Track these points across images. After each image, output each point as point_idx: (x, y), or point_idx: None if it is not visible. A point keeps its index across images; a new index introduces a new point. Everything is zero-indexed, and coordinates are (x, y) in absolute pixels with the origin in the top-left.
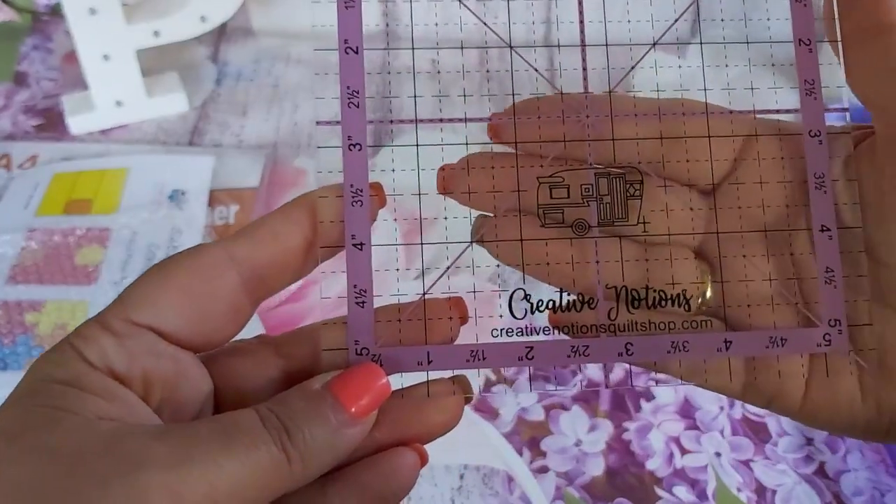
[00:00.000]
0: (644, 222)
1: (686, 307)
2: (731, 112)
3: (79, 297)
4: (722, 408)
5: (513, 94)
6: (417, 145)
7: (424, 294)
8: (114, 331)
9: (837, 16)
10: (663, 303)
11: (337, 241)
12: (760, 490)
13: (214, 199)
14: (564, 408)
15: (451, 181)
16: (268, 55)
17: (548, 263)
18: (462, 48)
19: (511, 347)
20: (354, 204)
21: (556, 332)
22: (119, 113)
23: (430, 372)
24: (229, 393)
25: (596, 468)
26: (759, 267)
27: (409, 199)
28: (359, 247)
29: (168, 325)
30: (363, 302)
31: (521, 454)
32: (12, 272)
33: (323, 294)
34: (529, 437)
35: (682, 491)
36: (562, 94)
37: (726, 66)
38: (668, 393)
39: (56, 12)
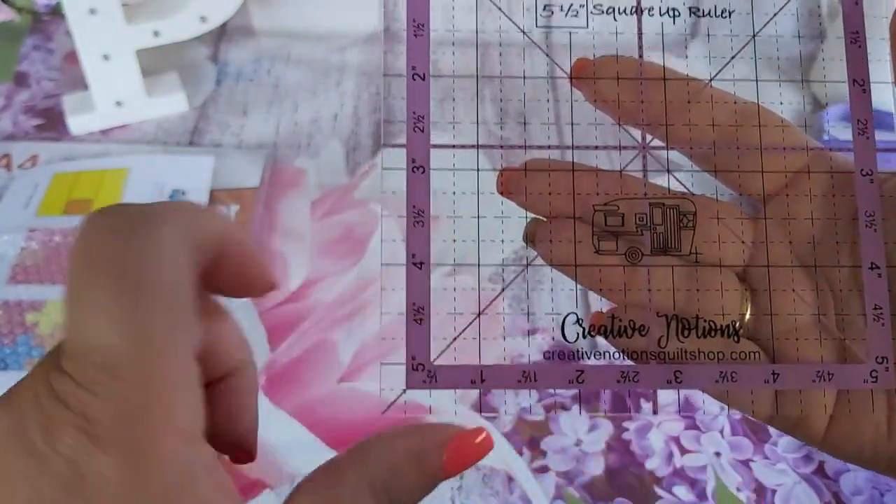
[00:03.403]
0: (696, 252)
1: (735, 338)
2: (786, 126)
3: None
4: (722, 408)
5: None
6: (478, 169)
7: (480, 313)
8: (203, 312)
9: None
10: (713, 333)
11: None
12: (760, 490)
13: (215, 198)
14: (564, 408)
15: (509, 183)
16: (268, 55)
17: (600, 279)
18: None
19: (562, 369)
20: (416, 224)
21: (606, 356)
22: (119, 113)
23: (482, 390)
24: None
25: (596, 468)
26: (805, 300)
27: (469, 221)
28: (419, 266)
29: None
30: (421, 319)
31: (521, 454)
32: (13, 272)
33: (383, 310)
34: (529, 437)
35: (681, 490)
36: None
37: (730, 64)
38: (669, 393)
39: (56, 12)
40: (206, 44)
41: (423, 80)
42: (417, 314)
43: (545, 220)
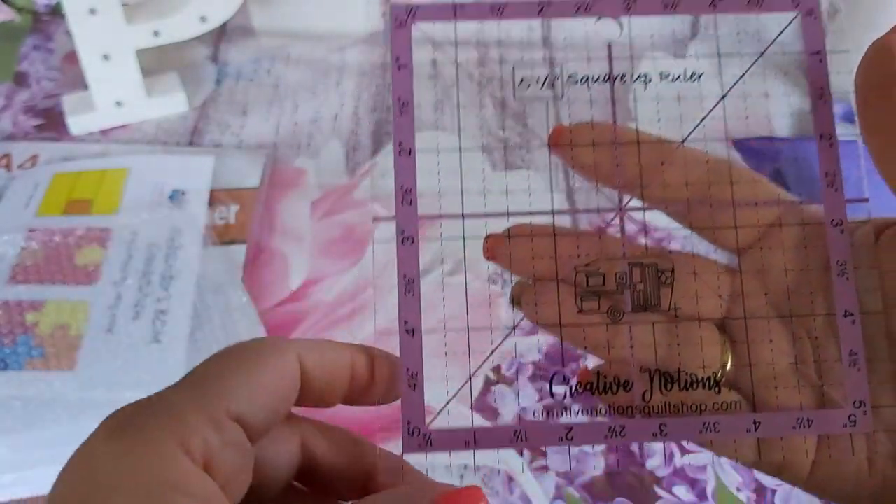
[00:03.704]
0: (675, 308)
1: (716, 390)
2: (757, 180)
3: (79, 298)
4: None
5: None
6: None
7: (471, 376)
8: (216, 422)
9: (868, 107)
10: (694, 385)
11: (388, 383)
12: (760, 490)
13: (215, 198)
14: (565, 408)
15: (494, 249)
16: (268, 55)
17: (584, 338)
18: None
19: (552, 428)
20: (407, 293)
21: (593, 412)
22: (119, 113)
23: (476, 451)
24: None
25: (596, 468)
26: (782, 349)
27: (458, 289)
28: (411, 332)
29: (252, 418)
30: (415, 385)
31: (521, 454)
32: (13, 272)
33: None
34: None
35: (681, 491)
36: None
37: (726, 65)
38: None
39: (56, 12)
40: (205, 44)
41: (410, 155)
42: (412, 380)
43: (530, 282)
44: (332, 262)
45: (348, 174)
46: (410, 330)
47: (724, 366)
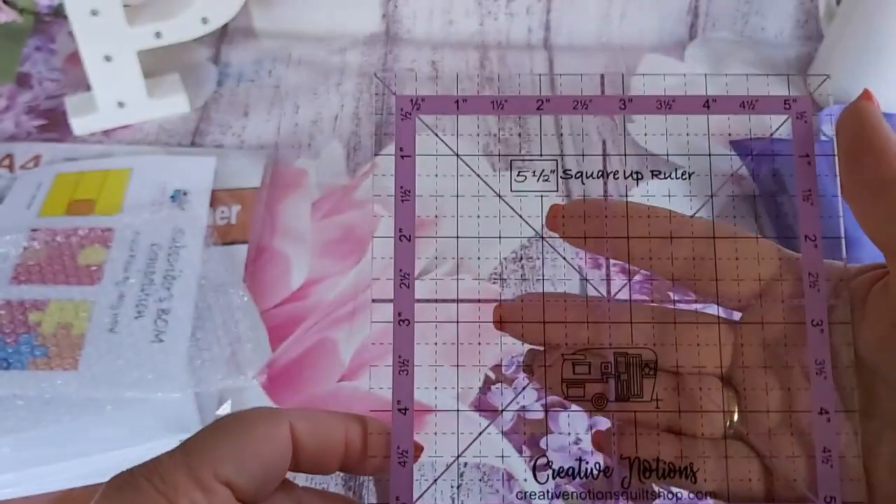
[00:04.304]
0: (657, 399)
1: (692, 479)
2: (757, 239)
3: (81, 297)
4: None
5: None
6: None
7: (458, 456)
8: (203, 485)
9: (845, 171)
10: (672, 475)
11: (384, 452)
12: None
13: (216, 199)
14: (564, 406)
15: (505, 317)
16: (269, 56)
17: (569, 423)
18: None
19: None
20: (401, 373)
21: (573, 497)
22: (121, 114)
23: None
24: None
25: (595, 466)
26: (779, 401)
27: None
28: (403, 412)
29: (242, 483)
30: (405, 462)
31: (520, 452)
32: (15, 272)
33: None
34: (529, 436)
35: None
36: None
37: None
38: None
39: (58, 13)
40: (207, 45)
41: (409, 241)
42: (402, 457)
43: (541, 349)
44: (332, 262)
45: (349, 174)
46: (403, 409)
47: (732, 413)
